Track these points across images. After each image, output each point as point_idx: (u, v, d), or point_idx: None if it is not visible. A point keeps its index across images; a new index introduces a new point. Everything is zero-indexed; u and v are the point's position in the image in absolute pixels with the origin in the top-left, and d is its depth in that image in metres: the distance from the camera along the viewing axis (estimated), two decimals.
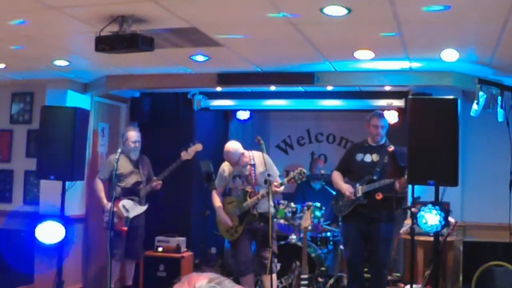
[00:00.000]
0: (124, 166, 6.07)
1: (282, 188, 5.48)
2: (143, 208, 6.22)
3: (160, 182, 6.18)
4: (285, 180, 5.47)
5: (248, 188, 5.62)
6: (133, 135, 6.26)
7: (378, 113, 5.70)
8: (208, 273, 1.24)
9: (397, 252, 6.36)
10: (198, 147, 6.15)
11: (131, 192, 6.12)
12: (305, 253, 5.54)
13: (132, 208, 6.10)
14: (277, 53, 5.17)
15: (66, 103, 6.24)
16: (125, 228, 5.94)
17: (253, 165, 5.63)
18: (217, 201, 5.80)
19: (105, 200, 6.00)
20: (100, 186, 6.11)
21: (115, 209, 5.81)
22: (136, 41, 3.89)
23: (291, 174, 5.40)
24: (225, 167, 5.81)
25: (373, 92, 6.75)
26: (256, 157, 5.66)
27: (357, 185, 5.54)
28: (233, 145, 5.66)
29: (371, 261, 5.65)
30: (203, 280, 1.19)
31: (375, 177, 5.47)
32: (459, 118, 4.48)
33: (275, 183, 5.37)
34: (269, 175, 5.30)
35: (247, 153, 5.66)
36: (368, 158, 5.62)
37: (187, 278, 1.22)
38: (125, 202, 6.06)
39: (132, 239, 6.15)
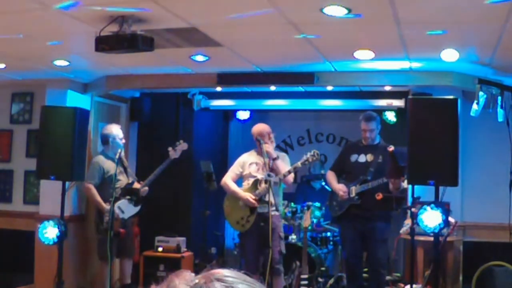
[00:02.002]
0: (112, 168, 5.82)
1: (291, 177, 5.55)
2: (137, 208, 6.12)
3: (146, 188, 6.08)
4: (299, 163, 5.43)
5: (259, 177, 5.61)
6: (119, 132, 6.13)
7: (366, 116, 5.66)
8: (233, 271, 1.18)
9: (397, 252, 6.36)
10: (184, 146, 6.10)
11: (130, 192, 6.09)
12: (305, 253, 5.54)
13: (127, 209, 6.02)
14: (277, 53, 5.17)
15: (66, 103, 6.23)
16: (123, 230, 5.88)
17: (274, 159, 5.61)
18: (233, 186, 5.74)
19: (103, 204, 5.89)
20: (94, 191, 5.96)
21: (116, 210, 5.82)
22: (136, 41, 3.89)
23: (305, 157, 5.39)
24: (246, 156, 5.84)
25: (373, 92, 6.76)
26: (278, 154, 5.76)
27: (351, 185, 5.54)
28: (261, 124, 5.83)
29: (369, 262, 5.66)
30: (222, 273, 1.15)
31: (369, 177, 5.47)
32: (459, 118, 4.48)
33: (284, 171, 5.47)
34: (269, 175, 5.30)
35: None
36: (362, 158, 5.63)
37: (214, 270, 1.18)
38: (120, 203, 5.95)
39: (125, 238, 6.10)
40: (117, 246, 6.01)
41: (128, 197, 6.04)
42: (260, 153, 5.66)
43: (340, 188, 5.58)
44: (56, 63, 5.52)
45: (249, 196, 5.56)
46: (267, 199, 5.47)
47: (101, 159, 6.07)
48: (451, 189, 4.63)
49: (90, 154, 6.44)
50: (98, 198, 5.95)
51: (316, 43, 4.68)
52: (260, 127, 5.72)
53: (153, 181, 6.06)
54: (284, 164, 5.58)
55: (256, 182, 5.60)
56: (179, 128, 7.37)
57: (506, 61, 5.03)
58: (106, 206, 5.82)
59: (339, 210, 5.63)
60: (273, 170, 5.43)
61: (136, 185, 6.12)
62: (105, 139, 6.13)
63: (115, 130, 6.12)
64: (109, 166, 5.93)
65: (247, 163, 5.74)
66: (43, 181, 6.08)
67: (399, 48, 4.71)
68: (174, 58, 5.43)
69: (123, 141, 6.16)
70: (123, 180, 6.08)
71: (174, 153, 6.05)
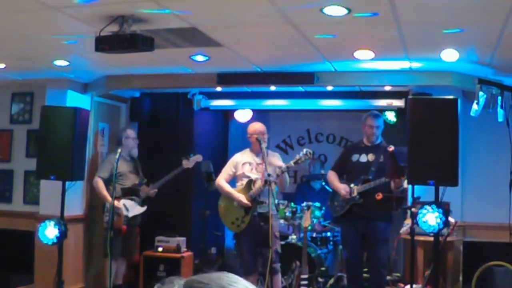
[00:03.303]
0: (122, 166, 6.08)
1: (287, 178, 5.54)
2: (142, 209, 6.23)
3: (156, 190, 6.24)
4: (292, 162, 5.42)
5: (253, 177, 5.61)
6: (133, 132, 6.45)
7: (373, 113, 5.70)
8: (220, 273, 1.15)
9: (397, 252, 6.36)
10: (199, 157, 6.28)
11: (131, 192, 6.13)
12: (305, 253, 5.54)
13: (132, 208, 6.13)
14: (277, 53, 5.17)
15: (66, 103, 6.23)
16: (125, 227, 5.96)
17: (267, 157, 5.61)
18: (227, 187, 5.75)
19: (109, 198, 5.98)
20: (101, 184, 6.14)
21: (118, 205, 5.85)
22: (136, 41, 3.89)
23: (297, 156, 5.39)
24: (239, 155, 5.83)
25: (373, 92, 6.76)
26: (271, 153, 5.75)
27: (352, 185, 5.54)
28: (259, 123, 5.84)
29: (370, 261, 5.65)
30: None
31: (370, 177, 5.47)
32: (459, 118, 4.48)
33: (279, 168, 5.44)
34: (269, 175, 5.30)
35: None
36: (363, 158, 5.63)
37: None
38: (126, 201, 6.08)
39: (128, 239, 6.16)
40: (121, 244, 6.05)
41: (130, 197, 6.10)
42: (255, 152, 5.66)
43: (342, 187, 5.58)
44: (56, 63, 5.52)
45: (243, 197, 5.56)
46: (261, 199, 5.48)
47: (114, 156, 6.16)
48: (451, 189, 4.62)
49: (97, 154, 6.49)
50: (105, 192, 6.11)
51: (316, 43, 4.68)
52: (259, 127, 5.71)
53: (161, 186, 6.24)
54: (285, 178, 5.60)
55: (250, 183, 5.60)
56: (179, 128, 7.37)
57: (506, 61, 5.03)
58: (111, 202, 5.90)
59: (340, 209, 5.63)
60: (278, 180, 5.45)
61: (144, 188, 6.19)
62: (119, 140, 6.37)
63: (128, 131, 6.43)
64: (121, 164, 5.99)
65: (240, 163, 5.74)
66: (43, 181, 6.08)
67: (399, 48, 4.71)
68: (174, 58, 5.43)
69: (133, 142, 6.38)
70: (132, 179, 6.17)
71: (187, 163, 6.20)
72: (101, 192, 6.13)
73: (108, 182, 6.15)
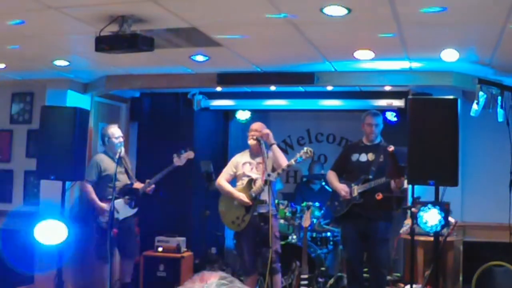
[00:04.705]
0: (111, 167, 5.85)
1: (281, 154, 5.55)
2: (133, 211, 6.10)
3: (153, 186, 6.07)
4: (292, 161, 5.41)
5: (253, 176, 5.61)
6: (115, 131, 6.12)
7: (372, 112, 5.71)
8: (219, 272, 1.27)
9: (397, 252, 6.36)
10: (190, 154, 6.10)
11: (128, 193, 6.06)
12: (305, 253, 5.54)
13: (122, 210, 6.00)
14: (277, 53, 5.17)
15: (66, 103, 6.24)
16: (115, 230, 5.82)
17: (267, 158, 5.59)
18: (227, 186, 5.75)
19: (98, 201, 5.91)
20: (90, 189, 5.98)
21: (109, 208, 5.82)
22: (136, 41, 3.89)
23: (298, 154, 5.38)
24: (239, 156, 5.83)
25: (373, 92, 6.76)
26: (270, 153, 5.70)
27: (353, 185, 5.54)
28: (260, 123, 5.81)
29: (370, 261, 5.65)
30: (215, 278, 1.22)
31: (370, 177, 5.47)
32: (459, 118, 4.48)
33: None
34: (269, 175, 5.30)
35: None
36: (363, 157, 5.62)
37: (199, 275, 1.25)
38: (116, 203, 5.85)
39: (127, 239, 6.09)
40: (120, 246, 6.02)
41: (127, 197, 6.05)
42: (255, 153, 5.65)
43: (342, 188, 5.57)
44: (56, 63, 5.52)
45: (243, 196, 5.56)
46: (261, 197, 5.48)
47: (100, 157, 6.10)
48: (451, 189, 4.62)
49: (91, 154, 6.45)
50: (94, 195, 5.96)
51: (316, 43, 4.68)
52: (262, 127, 5.70)
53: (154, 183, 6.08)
54: (282, 155, 5.58)
55: (251, 182, 5.60)
56: (179, 128, 7.37)
57: (506, 61, 5.03)
58: (101, 205, 5.86)
59: (340, 209, 5.62)
60: (273, 169, 5.43)
61: (137, 185, 6.13)
62: (102, 139, 6.17)
63: (110, 130, 6.12)
64: (108, 165, 5.94)
65: (240, 163, 5.74)
66: (43, 181, 6.08)
67: (399, 48, 4.72)
68: (174, 58, 5.43)
69: (120, 140, 6.11)
70: (123, 180, 6.08)
71: (178, 161, 6.02)
72: (91, 196, 5.96)
73: (97, 185, 5.99)
